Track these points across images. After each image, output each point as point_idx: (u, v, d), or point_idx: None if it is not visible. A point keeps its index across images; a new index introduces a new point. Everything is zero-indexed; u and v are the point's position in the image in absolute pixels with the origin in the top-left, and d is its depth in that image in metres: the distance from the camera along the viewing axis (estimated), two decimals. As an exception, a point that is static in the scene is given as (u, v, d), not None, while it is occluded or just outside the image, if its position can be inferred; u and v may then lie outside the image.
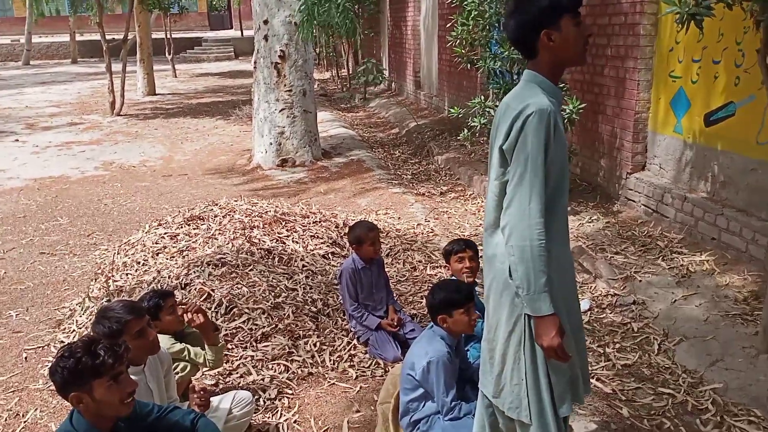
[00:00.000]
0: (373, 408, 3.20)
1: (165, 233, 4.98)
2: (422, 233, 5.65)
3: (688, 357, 3.57)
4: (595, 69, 6.13)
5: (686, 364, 3.51)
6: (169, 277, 4.16)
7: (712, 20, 3.61)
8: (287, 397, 3.33)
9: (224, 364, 3.45)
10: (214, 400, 2.82)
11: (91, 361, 2.06)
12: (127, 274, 4.54)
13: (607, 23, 5.86)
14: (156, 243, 4.85)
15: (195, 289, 3.98)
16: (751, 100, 4.41)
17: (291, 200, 6.57)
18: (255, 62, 8.55)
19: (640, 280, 4.40)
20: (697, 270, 4.39)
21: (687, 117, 5.09)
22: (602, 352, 3.69)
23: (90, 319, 3.86)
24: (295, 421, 3.15)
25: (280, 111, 8.42)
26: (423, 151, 9.27)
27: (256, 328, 3.74)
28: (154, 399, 2.61)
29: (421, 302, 4.29)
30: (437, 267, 4.85)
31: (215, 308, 3.83)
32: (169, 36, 20.64)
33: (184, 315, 3.02)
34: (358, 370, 3.59)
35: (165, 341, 2.95)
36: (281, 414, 3.20)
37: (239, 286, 4.02)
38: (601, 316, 4.11)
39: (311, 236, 5.05)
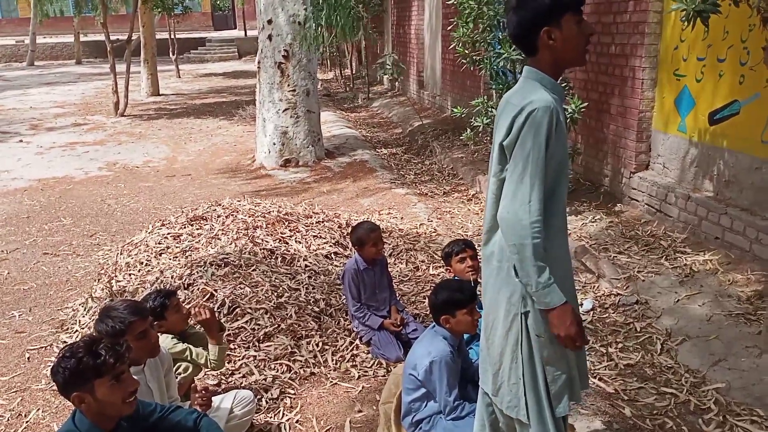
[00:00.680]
0: (375, 408, 3.20)
1: (168, 233, 4.98)
2: (425, 233, 5.65)
3: (690, 357, 3.55)
4: (599, 67, 6.12)
5: (689, 364, 3.50)
6: (172, 278, 4.16)
7: (718, 18, 3.59)
8: (289, 397, 3.33)
9: (227, 364, 3.45)
10: (216, 400, 2.82)
11: (93, 360, 2.07)
12: (130, 275, 4.54)
13: (612, 21, 5.85)
14: (159, 243, 4.86)
15: (198, 289, 3.98)
16: (756, 98, 4.39)
17: (294, 200, 6.57)
18: (259, 62, 8.56)
19: (643, 280, 4.39)
20: (700, 269, 4.38)
21: (691, 116, 5.07)
22: (605, 351, 3.68)
23: (93, 320, 3.87)
24: (297, 421, 3.15)
25: (283, 111, 8.42)
26: (426, 150, 9.26)
27: (258, 328, 3.75)
28: (155, 398, 2.61)
29: (424, 302, 4.28)
30: (440, 267, 4.84)
31: (218, 308, 3.83)
32: (172, 36, 20.66)
33: (191, 310, 3.02)
34: (360, 370, 3.59)
35: (167, 341, 2.96)
36: (283, 414, 3.20)
37: (242, 286, 4.02)
38: (604, 316, 4.10)
39: (314, 236, 5.05)
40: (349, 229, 5.04)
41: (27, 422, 3.22)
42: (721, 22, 4.51)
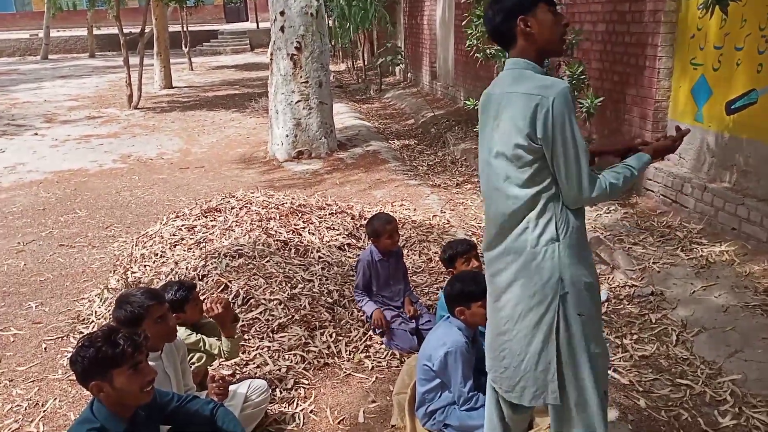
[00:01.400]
0: (388, 398, 3.21)
1: (182, 225, 5.01)
2: (438, 224, 5.64)
3: (706, 348, 3.53)
4: (614, 57, 6.06)
5: (705, 356, 3.47)
6: (186, 269, 4.19)
7: (736, 6, 3.55)
8: (303, 388, 3.34)
9: (241, 355, 3.47)
10: (230, 389, 2.84)
11: (111, 350, 2.09)
12: (145, 266, 4.58)
13: (627, 10, 5.78)
14: (173, 235, 4.89)
15: (212, 280, 4.00)
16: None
17: (307, 192, 6.58)
18: (271, 54, 8.56)
19: (659, 271, 4.36)
20: (716, 260, 4.34)
21: (708, 105, 5.02)
22: (620, 343, 3.66)
23: (108, 311, 3.91)
24: (311, 411, 3.16)
25: (296, 102, 8.42)
26: (439, 142, 9.23)
27: (272, 319, 3.76)
28: (172, 385, 2.63)
29: (437, 293, 4.28)
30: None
31: (232, 299, 3.85)
32: (185, 29, 20.71)
33: (204, 304, 3.05)
34: (373, 360, 3.59)
35: (181, 332, 2.97)
36: (297, 404, 3.21)
37: (256, 277, 4.04)
38: (619, 307, 4.08)
39: (327, 228, 5.05)
40: (363, 220, 5.04)
41: (44, 411, 3.26)
42: (739, 10, 4.44)
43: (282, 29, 8.29)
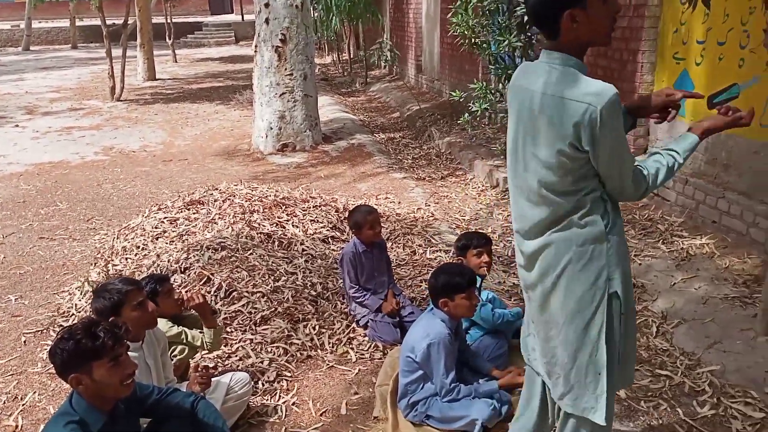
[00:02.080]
0: (371, 390, 3.21)
1: (165, 218, 4.97)
2: (422, 217, 5.64)
3: (686, 339, 3.56)
4: (598, 50, 6.08)
5: (684, 347, 3.51)
6: (168, 262, 4.16)
7: (718, 1, 3.57)
8: (286, 380, 3.33)
9: (223, 347, 3.45)
10: (212, 381, 2.83)
11: (91, 342, 2.07)
12: (126, 259, 4.54)
13: (610, 5, 5.80)
14: (155, 227, 4.85)
15: (194, 273, 3.98)
16: (755, 82, 4.36)
17: (291, 185, 6.55)
18: (256, 46, 8.50)
19: (640, 263, 4.40)
20: (697, 253, 4.38)
21: (690, 99, 5.05)
22: (601, 335, 3.69)
23: (89, 303, 3.87)
24: (293, 403, 3.16)
25: (280, 95, 8.38)
26: (424, 135, 9.23)
27: (255, 312, 3.75)
28: (152, 377, 2.62)
29: (421, 286, 4.28)
30: (437, 251, 4.84)
31: (215, 292, 3.83)
32: (169, 20, 20.51)
33: (183, 295, 3.03)
34: (356, 353, 3.59)
35: (162, 324, 2.96)
36: (280, 396, 3.21)
37: (239, 270, 4.02)
38: (601, 300, 4.10)
39: (311, 221, 5.04)
40: (347, 213, 5.03)
41: (23, 405, 3.22)
42: (722, 5, 4.48)
43: (267, 21, 8.23)
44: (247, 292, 3.86)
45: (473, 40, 6.47)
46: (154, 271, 3.98)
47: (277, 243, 4.51)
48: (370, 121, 10.85)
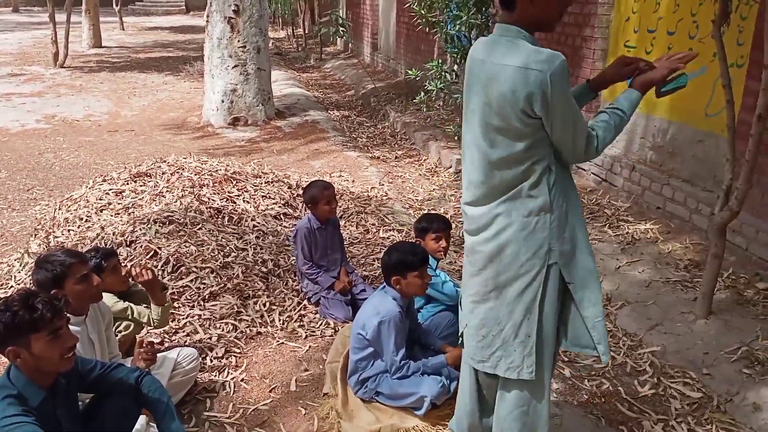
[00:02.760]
0: (321, 367, 3.20)
1: (110, 189, 4.81)
2: (376, 197, 5.63)
3: (629, 321, 3.67)
4: (551, 36, 6.14)
5: (627, 328, 3.62)
6: (113, 234, 4.03)
7: (669, -10, 3.64)
8: (235, 356, 3.29)
9: (170, 323, 3.38)
10: (159, 357, 2.76)
11: (29, 314, 1.99)
12: (68, 230, 4.38)
13: (566, -9, 5.85)
14: (100, 199, 4.69)
15: (141, 246, 3.87)
16: (702, 72, 4.48)
17: (242, 160, 6.43)
18: (208, 16, 8.26)
19: (588, 247, 4.49)
20: (641, 238, 4.51)
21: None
22: (548, 315, 3.76)
23: (29, 275, 3.72)
24: (242, 380, 3.12)
25: (233, 68, 8.18)
26: (379, 114, 9.19)
27: (203, 287, 3.68)
28: (96, 352, 2.54)
29: (373, 264, 4.28)
30: (390, 230, 4.84)
31: (162, 266, 3.74)
32: (116, -14, 19.78)
33: (132, 269, 2.93)
34: (307, 330, 3.57)
35: (107, 299, 2.86)
36: (228, 372, 3.16)
37: (187, 244, 3.93)
38: (549, 281, 4.18)
39: (263, 196, 4.96)
40: (300, 190, 4.97)
41: (-43, 380, 3.09)
42: (673, -5, 4.57)
43: (220, -10, 8.01)
44: (195, 267, 3.78)
45: (429, 19, 6.44)
46: (98, 244, 3.85)
47: (227, 218, 4.42)
48: (325, 98, 10.73)
